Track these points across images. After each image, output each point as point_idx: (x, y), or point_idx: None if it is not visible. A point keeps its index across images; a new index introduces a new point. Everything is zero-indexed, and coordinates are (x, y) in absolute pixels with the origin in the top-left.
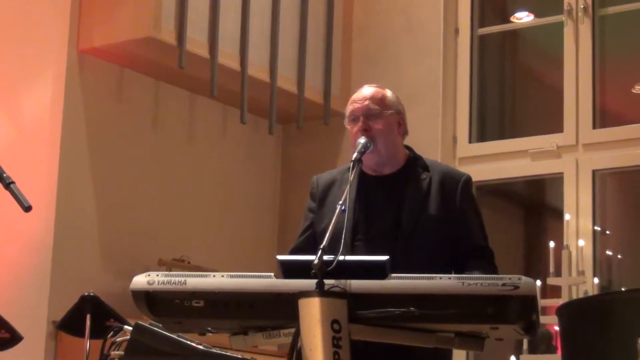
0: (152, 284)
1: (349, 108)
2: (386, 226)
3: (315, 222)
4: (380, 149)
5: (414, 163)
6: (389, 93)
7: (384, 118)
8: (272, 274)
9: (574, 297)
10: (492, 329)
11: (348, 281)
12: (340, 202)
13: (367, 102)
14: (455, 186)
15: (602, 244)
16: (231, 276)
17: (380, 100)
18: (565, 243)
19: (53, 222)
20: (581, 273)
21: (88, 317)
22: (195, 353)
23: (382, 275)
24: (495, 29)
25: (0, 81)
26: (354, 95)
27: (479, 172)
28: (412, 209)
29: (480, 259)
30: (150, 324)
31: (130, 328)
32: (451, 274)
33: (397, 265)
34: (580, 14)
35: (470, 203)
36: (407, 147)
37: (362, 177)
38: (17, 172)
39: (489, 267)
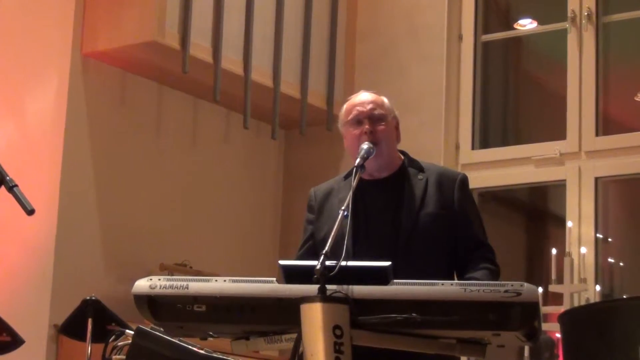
0: (154, 288)
1: (352, 112)
2: (386, 229)
3: (315, 232)
4: (383, 152)
5: (409, 165)
6: (385, 99)
7: (387, 122)
8: (274, 279)
9: (576, 304)
10: (494, 336)
11: (350, 287)
12: (343, 208)
13: (371, 106)
14: (452, 185)
15: (604, 251)
16: (233, 281)
17: (382, 105)
18: (567, 250)
19: (55, 226)
20: (583, 280)
21: (90, 321)
22: (197, 357)
23: (385, 281)
24: (499, 36)
25: (3, 84)
26: (352, 100)
27: (482, 179)
28: (410, 210)
29: (483, 259)
30: (151, 328)
31: (132, 332)
32: (452, 273)
33: (399, 266)
34: (584, 21)
35: (468, 200)
36: (401, 152)
37: (359, 182)
38: (20, 175)
39: (493, 268)
